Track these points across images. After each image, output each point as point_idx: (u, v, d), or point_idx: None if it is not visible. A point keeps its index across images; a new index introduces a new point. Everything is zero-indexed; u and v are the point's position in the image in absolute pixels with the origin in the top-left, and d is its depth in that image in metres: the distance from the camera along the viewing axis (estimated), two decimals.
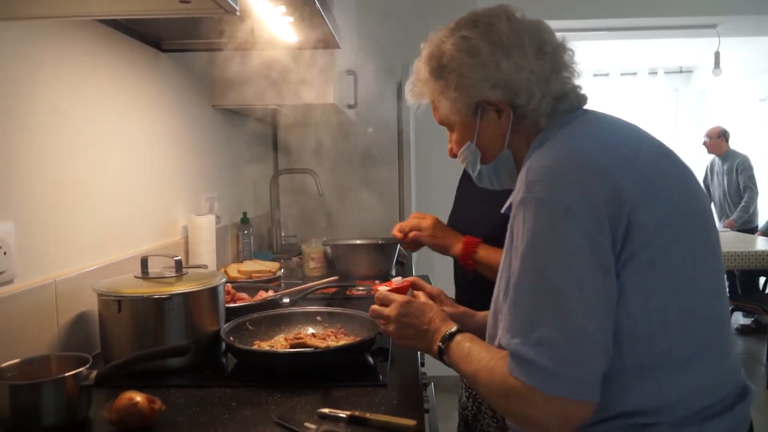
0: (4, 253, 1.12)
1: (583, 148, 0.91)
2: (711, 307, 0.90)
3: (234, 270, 2.10)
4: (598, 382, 0.82)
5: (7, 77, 1.16)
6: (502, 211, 1.04)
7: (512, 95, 0.99)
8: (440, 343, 1.02)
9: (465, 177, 1.81)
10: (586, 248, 0.82)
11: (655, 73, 7.42)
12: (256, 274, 2.08)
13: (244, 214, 2.60)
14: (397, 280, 1.25)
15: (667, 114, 7.86)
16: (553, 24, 1.06)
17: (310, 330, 1.48)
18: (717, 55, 4.42)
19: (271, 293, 1.77)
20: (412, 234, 1.60)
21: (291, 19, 1.49)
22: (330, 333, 1.44)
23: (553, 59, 1.00)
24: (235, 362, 1.35)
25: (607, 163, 0.87)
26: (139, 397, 1.00)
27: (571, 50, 1.02)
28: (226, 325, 1.38)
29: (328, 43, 1.73)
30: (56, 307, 1.28)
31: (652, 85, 7.51)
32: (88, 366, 1.05)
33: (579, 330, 0.81)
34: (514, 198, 0.91)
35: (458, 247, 1.52)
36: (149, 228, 1.79)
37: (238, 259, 2.55)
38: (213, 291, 1.35)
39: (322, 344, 1.32)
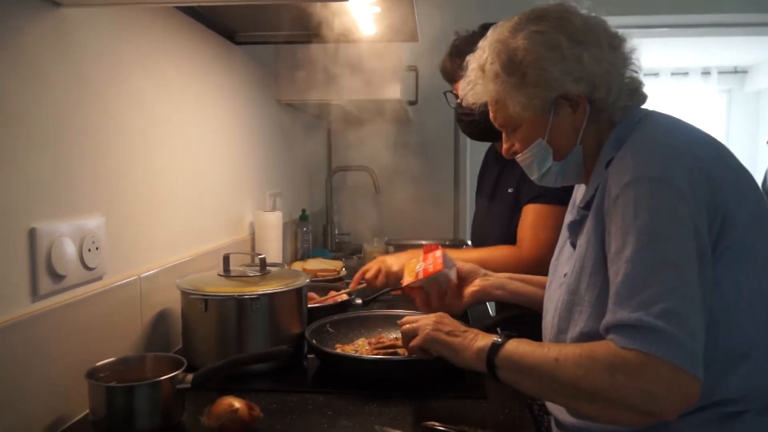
0: (97, 249, 1.09)
1: (679, 138, 0.92)
2: None
3: (299, 268, 2.05)
4: None
5: (99, 70, 1.12)
6: (579, 205, 1.02)
7: (591, 88, 0.98)
8: (496, 339, 0.96)
9: (480, 181, 1.94)
10: (692, 232, 0.83)
11: (708, 73, 7.17)
12: (322, 273, 2.02)
13: (303, 211, 2.56)
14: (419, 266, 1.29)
15: (718, 115, 7.59)
16: (608, 21, 1.03)
17: (393, 334, 1.42)
18: None
19: (343, 293, 1.72)
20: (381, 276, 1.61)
21: (378, 9, 1.43)
22: None
23: (623, 54, 1.01)
24: (316, 365, 1.30)
25: (703, 154, 0.90)
26: (238, 404, 0.96)
27: (634, 47, 1.02)
28: (308, 328, 1.33)
29: (408, 35, 1.66)
30: (140, 303, 1.25)
31: (704, 86, 7.25)
32: (183, 368, 1.01)
33: (696, 305, 0.81)
34: (617, 181, 0.88)
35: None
36: (220, 224, 1.75)
37: (296, 256, 2.51)
38: (298, 291, 1.30)
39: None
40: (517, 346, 0.93)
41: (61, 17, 1.01)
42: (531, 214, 1.57)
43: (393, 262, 1.61)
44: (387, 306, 1.73)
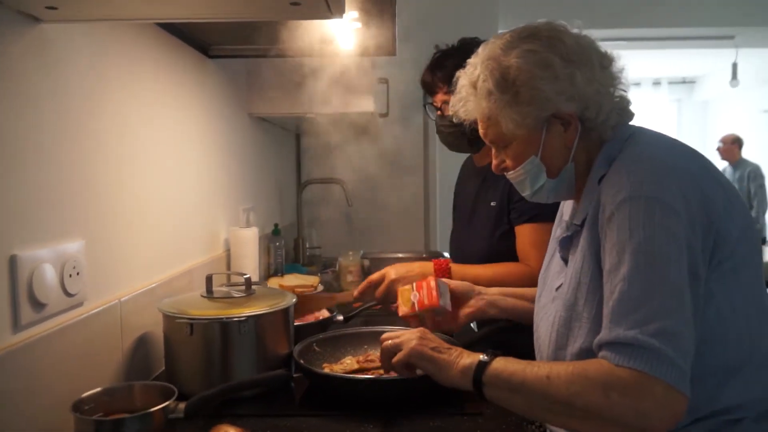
0: (78, 274, 1.04)
1: (671, 155, 0.93)
2: None
3: (275, 284, 2.01)
4: None
5: (78, 88, 1.08)
6: (570, 219, 1.04)
7: (583, 108, 0.99)
8: (483, 357, 0.96)
9: (458, 195, 1.93)
10: (685, 250, 0.84)
11: (659, 83, 7.45)
12: (299, 289, 1.99)
13: (276, 225, 2.52)
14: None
15: (668, 124, 7.88)
16: None
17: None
18: (734, 66, 4.42)
19: (324, 311, 1.69)
20: (382, 286, 1.58)
21: (359, 25, 1.42)
22: None
23: (612, 72, 1.02)
24: (303, 386, 1.27)
25: (695, 171, 0.91)
26: None
27: (622, 67, 1.04)
28: (295, 348, 1.30)
29: (385, 50, 1.66)
30: (121, 328, 1.20)
31: (655, 96, 7.53)
32: (174, 398, 0.97)
33: (689, 325, 0.82)
34: (611, 198, 0.89)
35: (430, 268, 1.61)
36: (196, 241, 1.70)
37: (269, 272, 2.47)
38: (285, 312, 1.27)
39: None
40: (505, 365, 0.94)
41: (42, 33, 0.96)
42: (530, 234, 1.58)
43: (395, 272, 1.58)
44: (363, 322, 1.71)
